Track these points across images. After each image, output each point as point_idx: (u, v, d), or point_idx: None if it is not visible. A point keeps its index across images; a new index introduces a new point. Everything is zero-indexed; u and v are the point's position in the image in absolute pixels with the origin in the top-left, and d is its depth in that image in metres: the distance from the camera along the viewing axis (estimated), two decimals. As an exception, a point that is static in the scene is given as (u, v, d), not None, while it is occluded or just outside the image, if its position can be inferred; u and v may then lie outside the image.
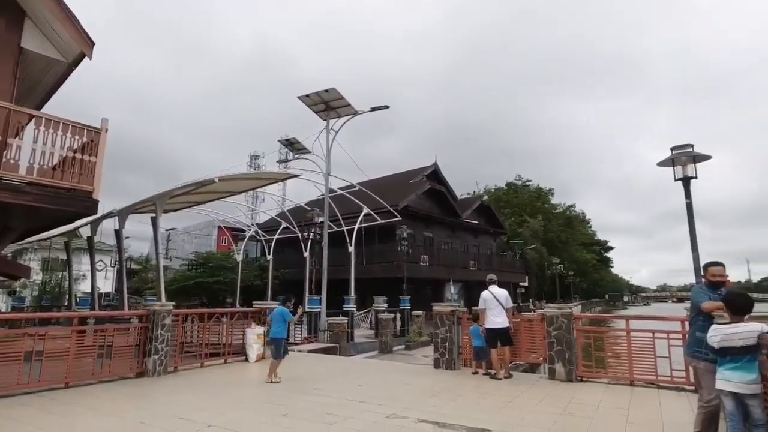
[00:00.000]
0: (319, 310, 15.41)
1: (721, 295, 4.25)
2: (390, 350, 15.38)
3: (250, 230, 27.34)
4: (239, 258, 25.64)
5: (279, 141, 17.71)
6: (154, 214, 10.93)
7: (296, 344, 14.08)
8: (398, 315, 18.86)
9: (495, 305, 8.15)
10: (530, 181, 56.83)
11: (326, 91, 15.61)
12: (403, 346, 16.25)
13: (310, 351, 12.78)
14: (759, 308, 4.62)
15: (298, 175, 14.73)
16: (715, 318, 4.16)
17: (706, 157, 7.20)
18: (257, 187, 14.79)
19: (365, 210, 20.81)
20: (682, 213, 7.43)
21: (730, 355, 3.70)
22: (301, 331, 15.12)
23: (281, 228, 24.63)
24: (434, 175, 34.08)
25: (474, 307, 9.05)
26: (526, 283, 43.32)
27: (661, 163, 7.37)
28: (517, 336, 8.71)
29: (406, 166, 40.71)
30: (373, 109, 15.88)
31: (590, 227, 73.19)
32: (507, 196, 52.48)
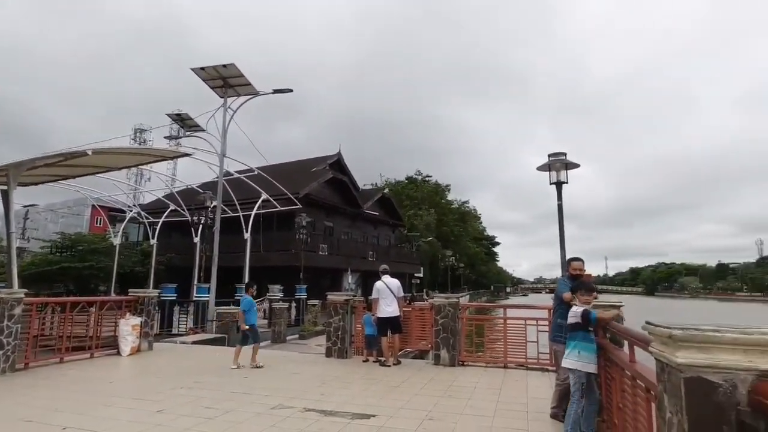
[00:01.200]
0: (207, 299, 14.50)
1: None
2: (283, 340, 15.07)
3: (131, 211, 24.72)
4: (116, 241, 23.05)
5: (168, 115, 16.10)
6: (5, 187, 9.32)
7: (179, 335, 13.13)
8: (294, 304, 18.55)
9: (387, 294, 8.37)
10: (430, 176, 59.52)
11: (225, 66, 14.58)
12: (298, 336, 16.03)
13: (194, 342, 11.99)
14: (611, 298, 5.32)
15: (190, 155, 13.61)
16: (573, 306, 4.70)
17: (575, 165, 8.10)
18: (141, 164, 13.33)
19: (264, 196, 20.03)
20: (556, 214, 8.29)
21: (572, 331, 4.20)
22: (186, 321, 14.12)
23: (169, 210, 22.68)
24: (337, 164, 33.98)
25: (371, 297, 9.22)
26: (421, 274, 45.39)
27: (540, 168, 8.13)
28: (408, 324, 9.06)
29: (311, 154, 40.08)
30: (276, 91, 15.22)
31: (481, 223, 79.03)
32: (407, 190, 54.35)
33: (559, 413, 5.06)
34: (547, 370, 7.78)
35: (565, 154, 8.10)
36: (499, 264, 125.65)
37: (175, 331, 14.13)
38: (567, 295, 4.83)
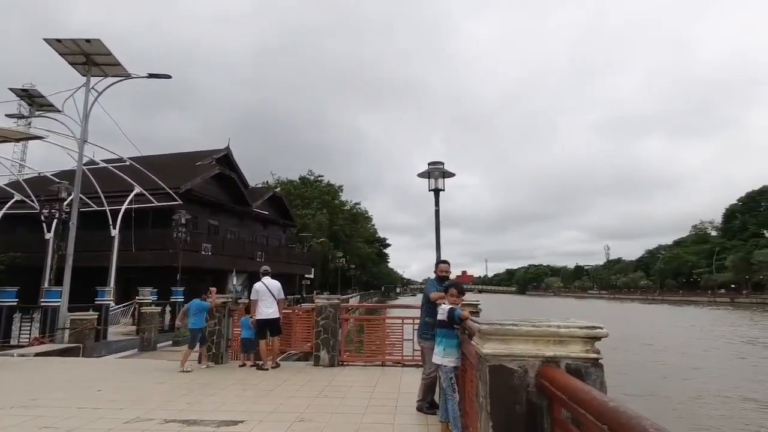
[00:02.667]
0: (58, 304, 12.63)
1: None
2: (154, 347, 13.83)
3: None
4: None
5: (12, 90, 13.56)
6: None
7: (19, 347, 11.31)
8: (169, 308, 17.13)
9: (267, 296, 8.18)
10: (322, 176, 59.31)
11: (88, 41, 12.84)
12: (171, 343, 14.84)
13: (38, 354, 10.42)
14: (478, 297, 5.83)
15: (43, 138, 11.82)
16: (440, 305, 5.06)
17: (451, 174, 8.74)
18: (-23, 145, 11.14)
19: (137, 189, 18.19)
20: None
21: (439, 328, 4.49)
22: (30, 330, 12.19)
23: (13, 201, 19.40)
24: (226, 159, 32.22)
25: (250, 298, 8.93)
26: (311, 275, 44.95)
27: (420, 175, 8.63)
28: (293, 326, 8.94)
29: (198, 148, 37.23)
30: (152, 76, 13.82)
31: (373, 225, 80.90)
32: (299, 190, 53.54)
33: (423, 406, 5.42)
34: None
35: (442, 164, 8.69)
36: (390, 265, 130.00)
37: (15, 342, 12.13)
38: (434, 294, 5.19)
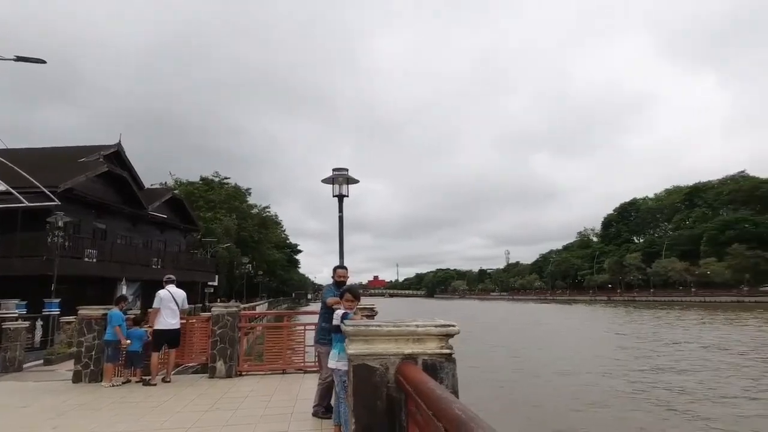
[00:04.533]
0: None
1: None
2: (19, 368, 12.12)
3: None
4: None
5: None
6: None
7: None
8: (40, 322, 15.14)
9: (171, 305, 7.64)
10: (228, 178, 56.51)
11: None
12: (42, 361, 13.11)
13: None
14: (373, 300, 5.97)
15: None
16: (336, 310, 5.11)
17: (355, 181, 8.89)
18: None
19: (1, 187, 15.90)
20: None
21: (334, 333, 4.54)
22: None
23: None
24: (116, 157, 29.38)
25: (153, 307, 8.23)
26: (215, 282, 42.59)
27: (324, 181, 8.65)
28: (192, 336, 8.43)
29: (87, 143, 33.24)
30: (20, 59, 12.09)
31: (284, 230, 78.91)
32: (201, 191, 50.47)
33: (319, 410, 5.43)
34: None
35: (347, 170, 8.80)
36: (302, 271, 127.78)
37: None
38: (330, 300, 5.24)
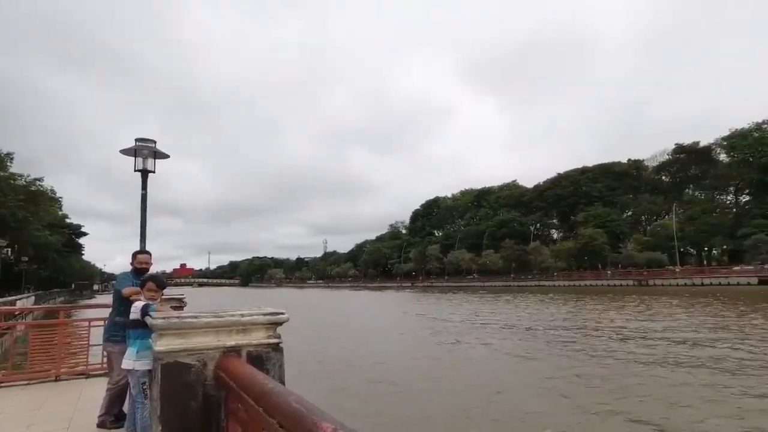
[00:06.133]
0: None
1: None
2: None
3: None
4: None
5: None
6: None
7: None
8: None
9: None
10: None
11: None
12: None
13: None
14: (184, 290, 5.33)
15: None
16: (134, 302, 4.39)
17: (165, 156, 7.84)
18: None
19: None
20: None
21: (131, 329, 3.89)
22: None
23: None
24: None
25: None
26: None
27: (124, 151, 7.40)
28: None
29: None
30: None
31: (61, 208, 65.13)
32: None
33: (107, 420, 4.62)
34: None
35: (154, 142, 7.70)
36: (87, 258, 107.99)
37: None
38: (127, 290, 4.48)
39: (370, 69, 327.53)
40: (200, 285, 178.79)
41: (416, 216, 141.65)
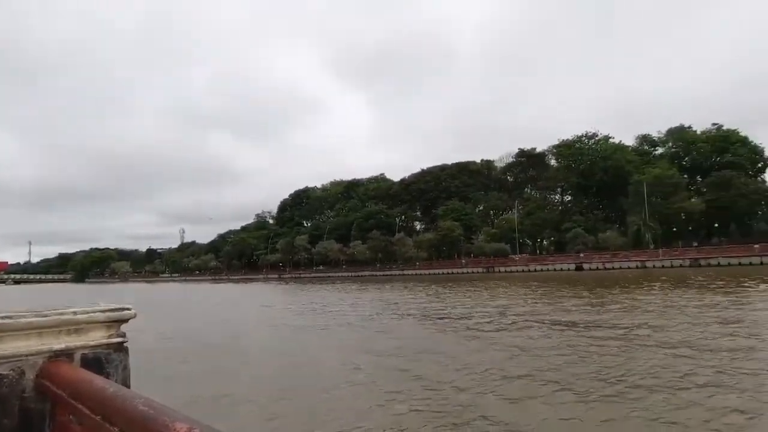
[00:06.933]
0: None
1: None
2: None
3: None
4: None
5: None
6: None
7: None
8: None
9: None
10: None
11: None
12: None
13: None
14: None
15: None
16: None
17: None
18: None
19: None
20: None
21: None
22: None
23: None
24: None
25: None
26: None
27: None
28: None
29: None
30: None
31: None
32: None
33: None
34: None
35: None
36: None
37: None
38: None
39: (235, 50, 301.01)
40: (17, 282, 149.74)
41: (285, 206, 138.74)
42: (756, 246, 52.42)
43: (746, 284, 27.16)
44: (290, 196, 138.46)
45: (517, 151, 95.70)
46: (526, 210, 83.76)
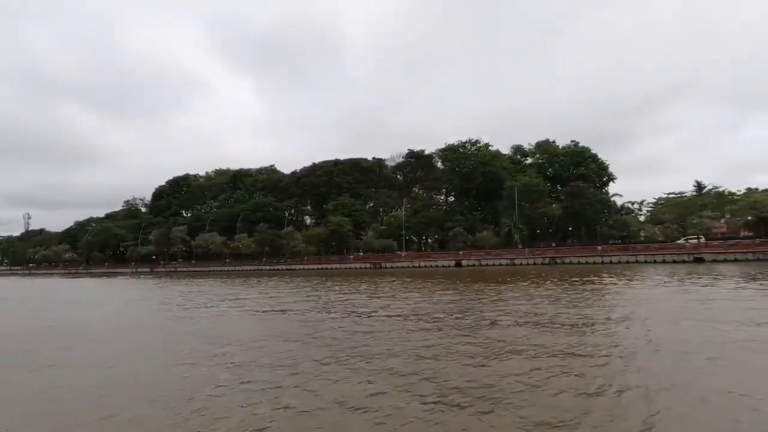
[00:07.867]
0: None
1: None
2: None
3: None
4: None
5: None
6: None
7: None
8: None
9: None
10: None
11: None
12: None
13: None
14: None
15: None
16: None
17: None
18: None
19: None
20: None
21: None
22: None
23: None
24: None
25: None
26: None
27: None
28: None
29: None
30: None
31: None
32: None
33: None
34: None
35: None
36: None
37: None
38: None
39: (92, 12, 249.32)
40: None
41: (160, 193, 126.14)
42: (599, 248, 61.55)
43: (573, 280, 31.59)
44: (167, 182, 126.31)
45: (407, 151, 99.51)
46: (413, 208, 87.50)
